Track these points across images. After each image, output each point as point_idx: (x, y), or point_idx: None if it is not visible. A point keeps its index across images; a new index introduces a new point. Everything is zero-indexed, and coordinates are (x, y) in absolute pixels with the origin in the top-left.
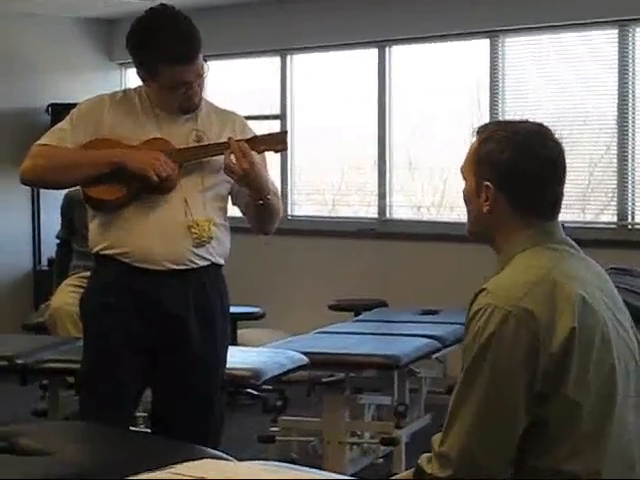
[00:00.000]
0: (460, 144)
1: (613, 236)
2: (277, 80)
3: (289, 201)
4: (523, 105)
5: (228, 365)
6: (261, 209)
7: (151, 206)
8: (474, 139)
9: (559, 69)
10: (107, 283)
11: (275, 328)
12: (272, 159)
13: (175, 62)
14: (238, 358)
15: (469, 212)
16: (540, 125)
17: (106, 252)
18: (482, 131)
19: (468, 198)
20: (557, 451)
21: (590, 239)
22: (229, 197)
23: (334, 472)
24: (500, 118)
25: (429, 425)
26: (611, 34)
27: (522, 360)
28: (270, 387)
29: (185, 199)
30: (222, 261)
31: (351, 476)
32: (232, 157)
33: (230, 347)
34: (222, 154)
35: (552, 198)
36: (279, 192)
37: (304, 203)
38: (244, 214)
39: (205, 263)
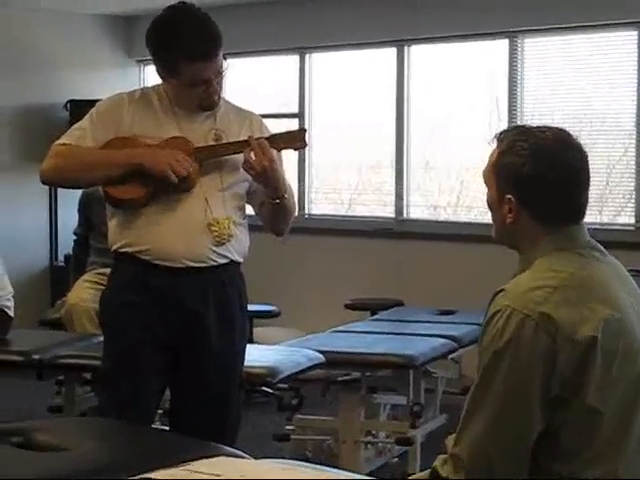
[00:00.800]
0: (478, 145)
1: (631, 238)
2: (296, 78)
3: (306, 200)
4: (541, 106)
5: (244, 363)
6: (276, 208)
7: (171, 205)
8: (495, 146)
9: (578, 70)
10: (127, 281)
11: (291, 326)
12: (289, 157)
13: (196, 59)
14: (254, 356)
15: (493, 219)
16: (561, 131)
17: (126, 250)
18: (502, 139)
19: (492, 207)
20: (576, 458)
21: (607, 241)
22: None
23: (349, 471)
24: (518, 119)
25: (444, 425)
26: (630, 36)
27: (539, 364)
28: (285, 385)
29: (205, 198)
30: (241, 259)
31: (366, 475)
32: (252, 154)
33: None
34: (241, 152)
35: (577, 205)
36: (294, 193)
37: (321, 202)
38: (258, 214)
39: (224, 261)
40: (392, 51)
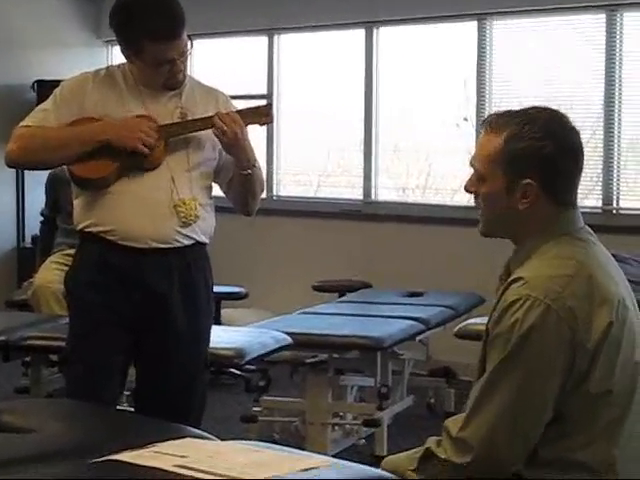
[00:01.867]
0: (446, 127)
1: (598, 221)
2: (264, 60)
3: (274, 181)
4: (510, 89)
5: (211, 345)
6: (247, 180)
7: (137, 185)
8: (487, 134)
9: (546, 53)
10: (91, 260)
11: (259, 308)
12: (257, 138)
13: (159, 39)
14: (221, 338)
15: (489, 212)
16: (556, 111)
17: (91, 229)
18: (498, 126)
19: (492, 198)
20: (572, 442)
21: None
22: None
23: (316, 453)
24: (487, 101)
25: (411, 407)
26: (599, 19)
27: (561, 357)
28: (253, 367)
29: (172, 177)
30: (207, 240)
31: (333, 457)
32: (222, 124)
33: (213, 327)
34: (207, 128)
35: (578, 185)
36: (263, 171)
37: (289, 183)
38: (226, 192)
39: (190, 242)
40: (361, 32)
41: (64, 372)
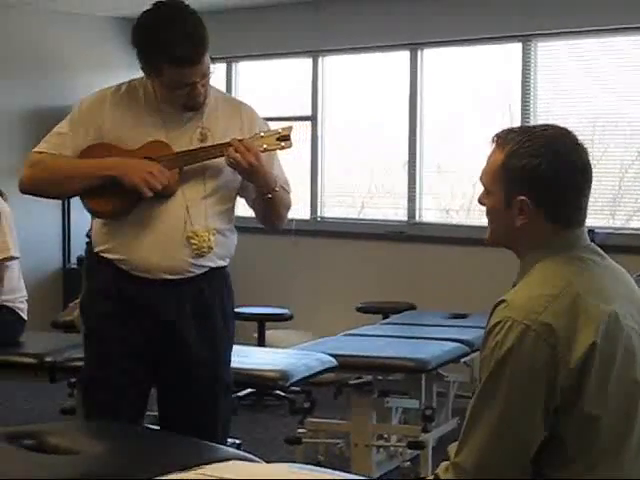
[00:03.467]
0: (490, 148)
1: None
2: (309, 82)
3: (318, 203)
4: (554, 110)
5: (256, 366)
6: (269, 203)
7: (152, 214)
8: (495, 149)
9: (590, 74)
10: (106, 289)
11: (303, 329)
12: (302, 160)
13: (181, 64)
14: (266, 359)
15: (493, 224)
16: (562, 129)
17: (106, 255)
18: (503, 141)
19: (494, 211)
20: (574, 466)
21: (620, 245)
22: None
23: (361, 475)
24: (531, 122)
25: (456, 429)
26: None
27: (540, 375)
28: (298, 389)
29: (187, 206)
30: (225, 263)
31: (377, 479)
32: (236, 153)
33: (258, 348)
34: (222, 155)
35: (584, 205)
36: (290, 185)
37: (333, 205)
38: (252, 207)
39: (204, 270)
40: (405, 54)
41: (83, 397)
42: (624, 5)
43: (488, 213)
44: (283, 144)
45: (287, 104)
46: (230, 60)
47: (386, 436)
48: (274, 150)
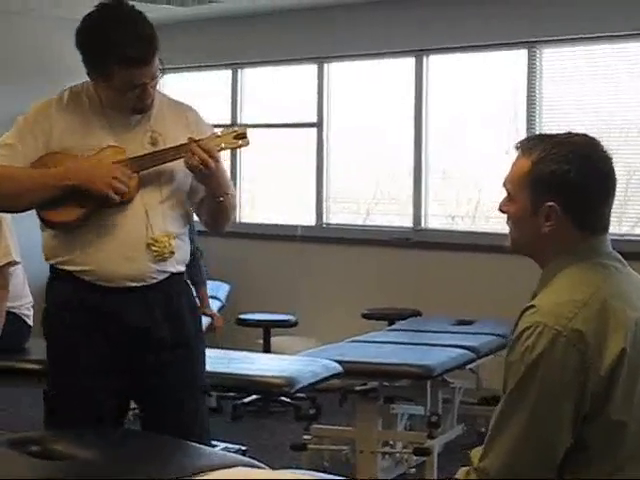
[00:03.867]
0: (496, 155)
1: None
2: (314, 88)
3: (324, 209)
4: (560, 116)
5: (262, 373)
6: (220, 206)
7: (111, 222)
8: (519, 156)
9: (597, 80)
10: (67, 301)
11: (308, 336)
12: (309, 164)
13: (132, 64)
14: (271, 366)
15: (517, 232)
16: (589, 137)
17: (64, 267)
18: (529, 148)
19: (519, 218)
20: (597, 472)
21: (626, 251)
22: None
23: None
24: (537, 129)
25: (462, 436)
26: None
27: (571, 381)
28: (303, 395)
29: (146, 211)
30: (183, 268)
31: None
32: (194, 157)
33: (263, 355)
34: (181, 157)
35: (608, 212)
36: (233, 187)
37: (339, 211)
38: (196, 212)
39: (166, 276)
40: (410, 61)
41: (47, 410)
42: (630, 11)
43: (511, 220)
44: (240, 142)
45: (292, 111)
46: (235, 67)
47: (392, 443)
48: (232, 149)
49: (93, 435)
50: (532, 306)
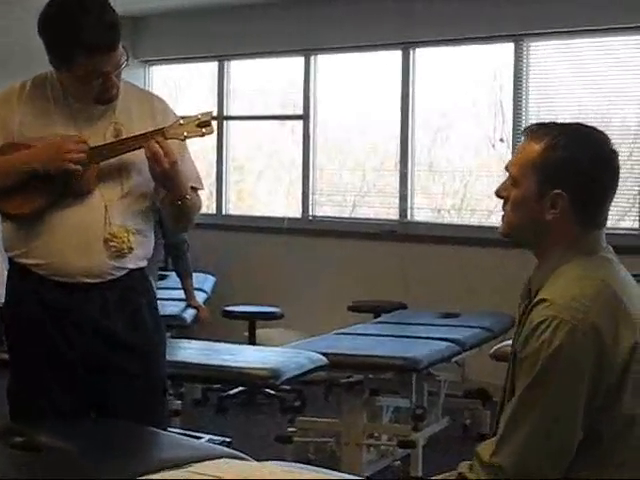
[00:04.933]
0: (482, 148)
1: (635, 242)
2: (300, 80)
3: (310, 201)
4: (546, 109)
5: (246, 365)
6: (177, 208)
7: (69, 215)
8: (528, 141)
9: (583, 74)
10: (24, 296)
11: (294, 328)
12: (294, 159)
13: (93, 51)
14: (257, 357)
15: (516, 215)
16: (598, 130)
17: (21, 260)
18: (539, 134)
19: (521, 203)
20: (608, 464)
21: (611, 245)
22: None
23: (351, 473)
24: (523, 122)
25: (447, 428)
26: (635, 40)
27: (587, 375)
28: (288, 387)
29: (105, 206)
30: (144, 264)
31: (368, 478)
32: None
33: (249, 347)
34: (141, 147)
35: (609, 206)
36: (202, 181)
37: (325, 204)
38: (160, 207)
39: (124, 272)
40: (397, 54)
41: (8, 399)
42: (617, 5)
43: (511, 204)
44: (204, 130)
45: (279, 103)
46: (222, 58)
47: (377, 435)
48: (195, 137)
49: (77, 427)
50: (544, 300)
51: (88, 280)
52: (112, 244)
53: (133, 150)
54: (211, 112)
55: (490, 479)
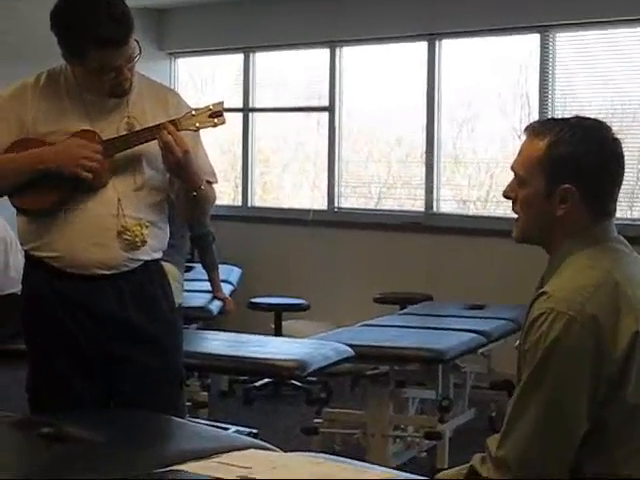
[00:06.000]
0: (508, 139)
1: None
2: (326, 72)
3: (336, 193)
4: (572, 100)
5: (273, 356)
6: (193, 200)
7: (83, 209)
8: (530, 139)
9: (609, 64)
10: (40, 288)
11: (320, 320)
12: (320, 151)
13: (105, 45)
14: (283, 349)
15: (527, 215)
16: (597, 120)
17: (36, 253)
18: (540, 131)
19: (531, 202)
20: (615, 455)
21: (637, 236)
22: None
23: (377, 465)
24: (549, 113)
25: (473, 420)
26: None
27: (586, 366)
28: (314, 379)
29: (119, 199)
30: (158, 255)
31: (394, 469)
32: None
33: (275, 338)
34: (154, 139)
35: (617, 196)
36: (216, 175)
37: (350, 195)
38: (175, 200)
39: (139, 264)
40: (423, 45)
41: (27, 393)
42: None
43: (521, 205)
44: (216, 121)
45: (304, 95)
46: (247, 50)
47: (403, 427)
48: (207, 127)
49: (105, 417)
50: (544, 293)
51: (103, 272)
52: (125, 237)
53: (145, 142)
54: (222, 102)
55: (497, 476)
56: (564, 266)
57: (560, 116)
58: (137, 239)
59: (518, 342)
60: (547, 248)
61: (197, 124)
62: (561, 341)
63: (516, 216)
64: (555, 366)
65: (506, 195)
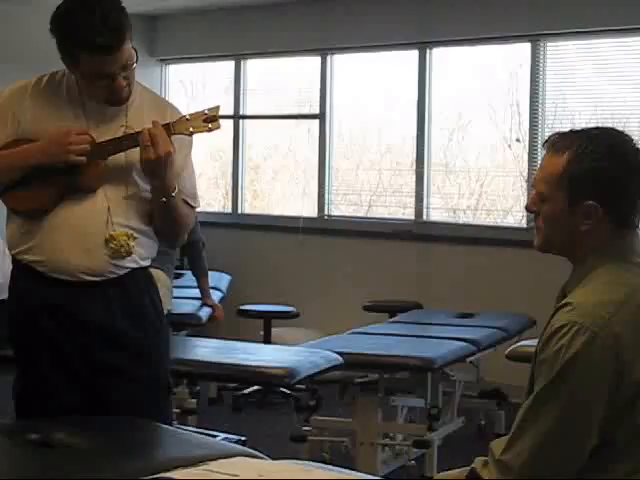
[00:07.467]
0: (498, 148)
1: None
2: (317, 80)
3: (326, 201)
4: (563, 109)
5: (262, 363)
6: (164, 209)
7: (73, 213)
8: (550, 155)
9: (599, 74)
10: (25, 294)
11: (310, 328)
12: (310, 158)
13: (95, 52)
14: (272, 356)
15: (551, 231)
16: (618, 131)
17: (22, 257)
18: (560, 146)
19: (553, 218)
20: (618, 470)
21: None
22: None
23: (366, 473)
24: (540, 122)
25: (462, 428)
26: None
27: (604, 386)
28: (303, 386)
29: (108, 207)
30: (146, 263)
31: (382, 477)
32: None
33: (264, 346)
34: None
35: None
36: (197, 200)
37: (341, 203)
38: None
39: (125, 271)
40: (414, 53)
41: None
42: (633, 5)
43: (544, 220)
44: (210, 125)
45: (295, 102)
46: (238, 57)
47: (392, 435)
48: (201, 132)
49: (93, 424)
50: (569, 303)
51: (89, 278)
52: (111, 245)
53: (137, 146)
54: (218, 107)
55: (500, 478)
56: (589, 279)
57: (550, 125)
58: (122, 249)
59: (533, 349)
60: (571, 259)
61: (191, 128)
62: (581, 357)
63: (537, 227)
64: (572, 381)
65: (528, 209)
